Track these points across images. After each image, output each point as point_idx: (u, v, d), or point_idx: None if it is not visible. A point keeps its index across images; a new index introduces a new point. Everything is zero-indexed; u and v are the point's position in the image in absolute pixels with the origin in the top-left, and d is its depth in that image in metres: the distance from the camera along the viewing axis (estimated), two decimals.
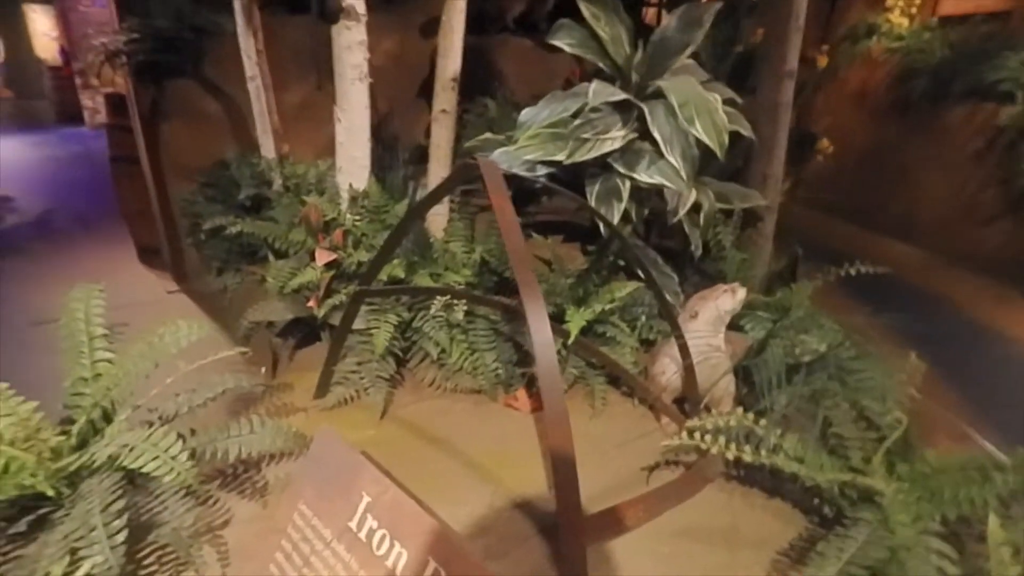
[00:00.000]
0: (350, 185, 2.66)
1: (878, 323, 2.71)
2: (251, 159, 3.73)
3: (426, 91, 4.42)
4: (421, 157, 3.15)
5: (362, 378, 2.37)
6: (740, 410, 1.64)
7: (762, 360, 2.11)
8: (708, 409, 2.25)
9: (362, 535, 1.37)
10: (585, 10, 2.37)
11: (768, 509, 1.90)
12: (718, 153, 2.18)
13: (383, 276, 2.46)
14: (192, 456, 1.53)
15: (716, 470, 1.91)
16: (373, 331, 2.29)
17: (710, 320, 2.18)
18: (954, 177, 5.64)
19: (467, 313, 2.47)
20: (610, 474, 2.05)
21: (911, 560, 1.38)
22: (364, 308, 2.42)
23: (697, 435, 1.58)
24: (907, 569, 1.39)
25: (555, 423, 1.23)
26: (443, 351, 2.44)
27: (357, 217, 2.66)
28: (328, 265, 2.44)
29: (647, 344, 2.62)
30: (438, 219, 2.89)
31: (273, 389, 2.44)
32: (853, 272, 2.47)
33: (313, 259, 2.51)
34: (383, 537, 1.34)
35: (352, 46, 2.38)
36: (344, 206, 2.70)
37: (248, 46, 3.35)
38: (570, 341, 2.32)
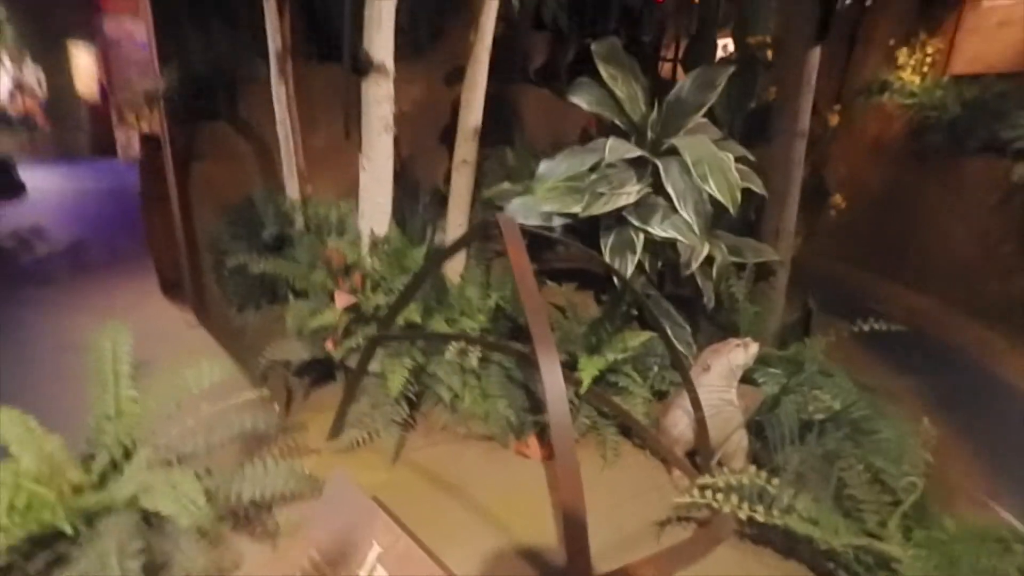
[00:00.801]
0: (371, 230, 2.74)
1: (896, 382, 2.69)
2: (276, 199, 3.86)
3: (448, 138, 4.57)
4: (440, 202, 3.24)
5: (375, 421, 2.40)
6: (753, 468, 1.64)
7: (775, 416, 2.10)
8: (720, 464, 2.24)
9: None
10: (603, 71, 2.47)
11: (781, 570, 1.86)
12: (731, 209, 2.23)
13: (400, 320, 2.51)
14: (207, 498, 1.55)
15: (729, 529, 1.89)
16: (388, 374, 2.32)
17: (723, 374, 2.19)
18: (971, 230, 5.65)
19: (481, 359, 2.50)
20: (621, 527, 2.03)
21: None
22: (380, 351, 2.47)
23: (709, 493, 1.58)
24: None
25: (568, 482, 1.25)
26: (456, 396, 2.47)
27: (376, 261, 2.73)
28: (347, 308, 2.50)
29: (659, 395, 2.62)
30: (455, 264, 2.96)
31: (287, 428, 2.46)
32: (867, 328, 2.47)
33: (332, 301, 2.58)
34: None
35: (380, 100, 2.49)
36: (365, 250, 2.78)
37: (280, 91, 3.51)
38: (582, 390, 2.33)
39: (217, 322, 3.73)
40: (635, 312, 2.83)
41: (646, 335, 2.61)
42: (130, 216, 6.20)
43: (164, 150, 4.35)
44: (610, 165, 2.30)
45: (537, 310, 1.34)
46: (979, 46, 6.85)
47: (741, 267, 2.72)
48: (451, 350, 2.38)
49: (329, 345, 2.47)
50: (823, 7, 2.44)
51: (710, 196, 2.26)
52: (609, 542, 1.94)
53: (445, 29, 5.05)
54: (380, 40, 2.41)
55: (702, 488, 1.60)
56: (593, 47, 2.49)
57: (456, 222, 2.93)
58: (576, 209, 2.34)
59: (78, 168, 9.85)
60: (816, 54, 2.53)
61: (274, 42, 3.35)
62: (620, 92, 2.46)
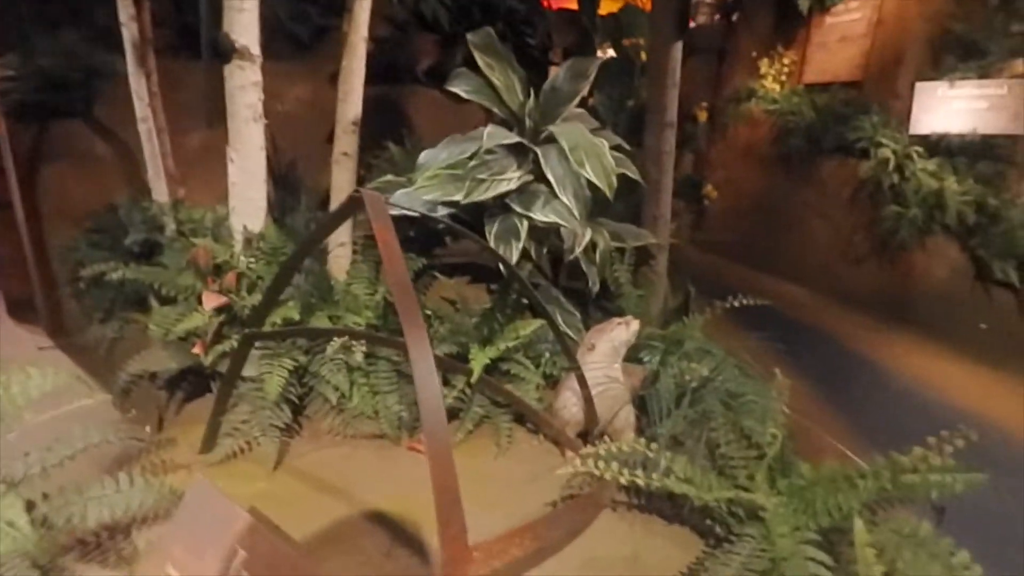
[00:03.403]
0: (244, 227, 2.58)
1: (765, 353, 2.90)
2: (142, 204, 3.54)
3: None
4: (325, 201, 3.12)
5: (253, 428, 2.24)
6: (633, 436, 1.68)
7: (655, 389, 2.18)
8: (609, 439, 2.29)
9: None
10: (480, 60, 2.49)
11: (667, 535, 1.93)
12: (607, 193, 2.31)
13: (276, 319, 2.36)
14: (43, 523, 1.36)
15: (609, 496, 1.93)
16: (265, 377, 2.18)
17: (607, 352, 2.25)
18: (829, 223, 6.26)
19: (367, 355, 2.41)
20: (517, 511, 2.01)
21: (790, 569, 1.44)
22: (256, 354, 2.31)
23: (591, 462, 1.60)
24: None
25: (435, 451, 1.21)
26: (343, 396, 2.36)
27: (252, 260, 2.57)
28: (219, 310, 2.32)
29: (551, 380, 2.65)
30: (340, 261, 2.84)
31: (154, 445, 2.24)
32: (738, 304, 2.64)
33: (201, 304, 2.38)
34: None
35: (246, 86, 2.35)
36: (238, 248, 2.60)
37: (140, 87, 3.23)
38: (474, 379, 2.31)
39: (75, 340, 3.34)
40: (525, 301, 2.86)
41: (536, 323, 2.63)
42: None
43: (2, 151, 3.87)
44: (489, 152, 2.32)
45: (402, 283, 1.30)
46: (825, 58, 7.62)
47: (622, 252, 2.82)
48: (333, 347, 2.27)
49: (197, 350, 2.27)
50: (680, 8, 2.62)
51: (588, 182, 2.33)
52: (505, 525, 1.92)
53: (328, 28, 4.91)
54: (242, 22, 2.27)
55: (584, 457, 1.62)
56: (469, 37, 2.51)
57: None
58: (457, 196, 2.33)
59: None
60: (678, 49, 2.70)
61: (129, 31, 3.08)
62: (497, 81, 2.48)
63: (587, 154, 2.29)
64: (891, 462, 1.57)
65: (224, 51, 2.24)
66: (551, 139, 2.38)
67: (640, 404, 2.29)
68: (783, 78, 7.56)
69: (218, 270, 2.51)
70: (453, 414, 2.41)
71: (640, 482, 1.61)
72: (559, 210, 2.32)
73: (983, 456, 1.57)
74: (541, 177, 2.36)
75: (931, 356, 4.88)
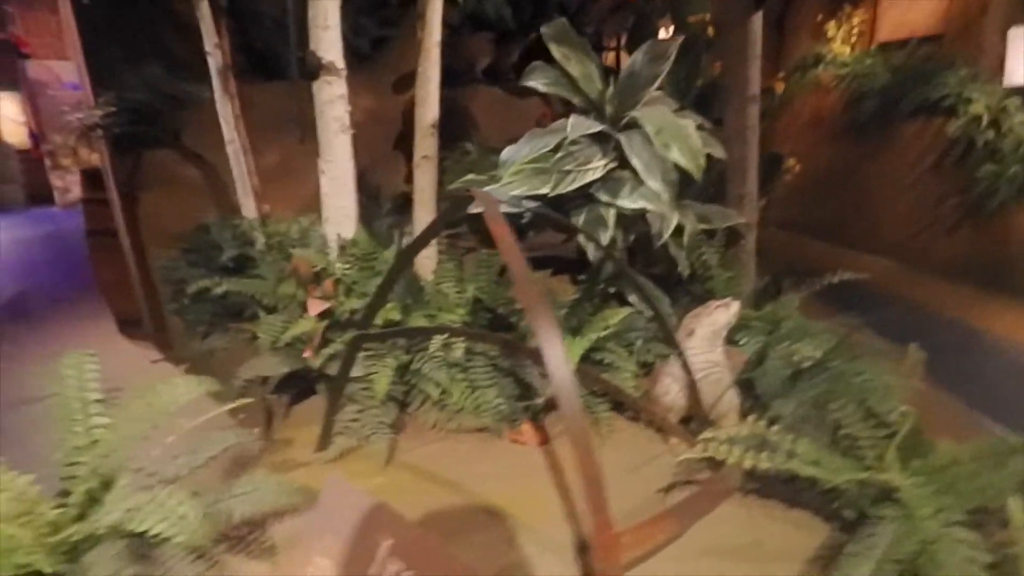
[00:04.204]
0: (338, 235, 2.68)
1: (865, 328, 2.77)
2: (232, 221, 3.74)
3: (400, 144, 4.54)
4: (403, 206, 3.20)
5: (364, 426, 2.33)
6: (752, 419, 1.65)
7: (762, 371, 2.13)
8: (714, 424, 2.25)
9: None
10: (555, 51, 2.49)
11: (789, 520, 1.88)
12: (695, 175, 2.26)
13: (378, 321, 2.45)
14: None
15: (734, 482, 1.89)
16: (372, 377, 2.26)
17: (706, 336, 2.21)
18: (912, 190, 5.89)
19: (466, 351, 2.46)
20: (627, 500, 2.01)
21: (940, 552, 1.38)
22: (362, 355, 2.40)
23: (712, 446, 1.58)
24: (938, 561, 1.38)
25: (579, 442, 1.22)
26: (444, 392, 2.42)
27: (347, 266, 2.67)
28: (321, 315, 2.43)
29: (646, 367, 2.62)
30: (427, 262, 2.91)
31: (273, 446, 2.37)
32: (835, 280, 2.53)
33: (305, 311, 2.50)
34: None
35: (334, 100, 2.44)
36: (333, 256, 2.71)
37: (226, 112, 3.41)
38: (572, 369, 2.31)
39: (183, 353, 3.58)
40: (611, 291, 2.84)
41: (625, 311, 2.62)
42: (74, 259, 5.93)
43: (107, 183, 4.18)
44: (573, 143, 2.31)
45: (525, 277, 1.32)
46: (900, 13, 7.17)
47: (710, 235, 2.76)
48: (435, 344, 2.33)
49: (307, 354, 2.39)
50: None
51: (675, 165, 2.29)
52: (619, 513, 1.90)
53: (385, 38, 5.02)
54: (328, 39, 2.36)
55: (705, 442, 1.60)
56: (543, 29, 2.50)
57: (422, 219, 2.89)
58: (545, 190, 2.34)
59: (14, 218, 9.38)
60: (758, 20, 2.61)
61: (215, 60, 3.25)
62: (574, 71, 2.47)
63: (673, 136, 2.25)
64: None
65: (312, 68, 2.34)
66: (634, 124, 2.35)
67: (744, 387, 2.23)
68: (853, 39, 7.15)
69: (316, 277, 2.62)
70: (552, 406, 2.43)
71: (764, 465, 1.58)
72: (647, 195, 2.29)
73: None
74: (625, 163, 2.34)
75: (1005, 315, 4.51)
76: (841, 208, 6.40)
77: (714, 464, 2.02)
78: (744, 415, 2.22)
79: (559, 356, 1.22)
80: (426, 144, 2.78)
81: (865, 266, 5.47)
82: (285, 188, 4.07)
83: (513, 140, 2.98)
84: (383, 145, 4.67)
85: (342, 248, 2.69)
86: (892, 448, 1.66)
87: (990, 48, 6.41)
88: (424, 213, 2.89)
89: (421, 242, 1.88)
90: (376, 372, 2.28)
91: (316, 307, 2.40)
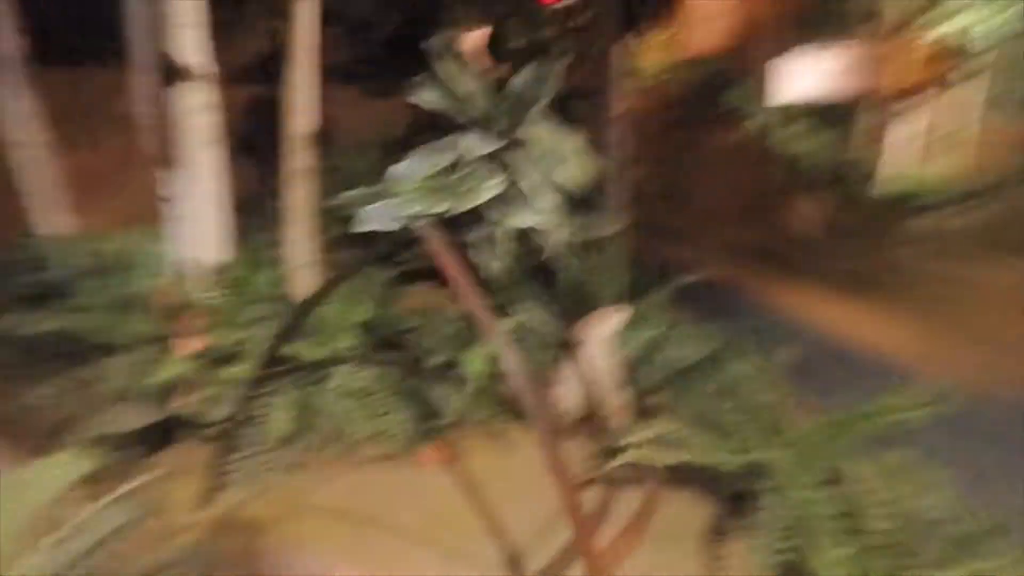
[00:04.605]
0: (200, 260, 2.38)
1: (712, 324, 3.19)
2: (25, 241, 3.09)
3: (246, 147, 4.11)
4: (265, 216, 2.93)
5: (254, 473, 2.13)
6: (662, 420, 1.85)
7: (645, 369, 2.38)
8: (607, 423, 2.46)
9: None
10: (441, 71, 2.46)
11: (682, 501, 2.14)
12: (582, 191, 2.42)
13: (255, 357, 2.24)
14: None
15: (659, 479, 2.07)
16: (267, 417, 2.07)
17: (599, 341, 2.40)
18: (719, 186, 6.90)
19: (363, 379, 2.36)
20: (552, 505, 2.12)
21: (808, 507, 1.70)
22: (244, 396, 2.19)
23: (636, 452, 1.74)
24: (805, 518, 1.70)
25: (557, 474, 1.28)
26: (344, 423, 2.30)
27: (215, 295, 2.38)
28: (193, 354, 2.15)
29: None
30: (303, 280, 2.71)
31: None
32: (694, 280, 2.90)
33: (171, 349, 2.19)
34: None
35: (200, 108, 2.15)
36: (195, 284, 2.40)
37: (17, 107, 2.80)
38: (475, 383, 2.36)
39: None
40: (496, 303, 2.92)
41: (515, 320, 2.73)
42: None
43: None
44: (468, 163, 2.33)
45: (483, 312, 1.34)
46: (704, 31, 8.23)
47: (588, 243, 2.97)
48: (339, 375, 2.21)
49: (181, 400, 2.10)
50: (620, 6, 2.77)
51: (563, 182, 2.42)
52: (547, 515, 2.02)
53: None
54: (191, 39, 2.06)
55: (633, 445, 1.76)
56: (429, 44, 2.46)
57: (298, 237, 2.69)
58: (443, 208, 2.32)
59: None
60: (620, 44, 2.86)
61: None
62: (460, 89, 2.48)
63: (561, 156, 2.38)
64: (877, 405, 1.88)
65: (172, 73, 2.03)
66: (521, 143, 2.44)
67: (632, 384, 2.47)
68: (663, 53, 8.09)
69: (177, 310, 2.30)
70: (456, 423, 2.44)
71: (676, 461, 1.79)
72: (539, 213, 2.40)
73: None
74: (515, 181, 2.41)
75: (807, 294, 5.58)
76: (672, 203, 7.20)
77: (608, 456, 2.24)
78: (635, 413, 2.47)
79: (517, 365, 1.27)
80: (301, 156, 2.58)
81: (694, 256, 6.27)
82: (106, 197, 3.46)
83: (376, 145, 2.88)
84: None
85: (211, 273, 2.39)
86: (761, 430, 1.98)
87: (760, 70, 7.67)
88: (298, 232, 2.68)
89: (323, 294, 1.78)
90: (270, 412, 2.09)
91: (186, 346, 2.11)
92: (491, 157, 2.38)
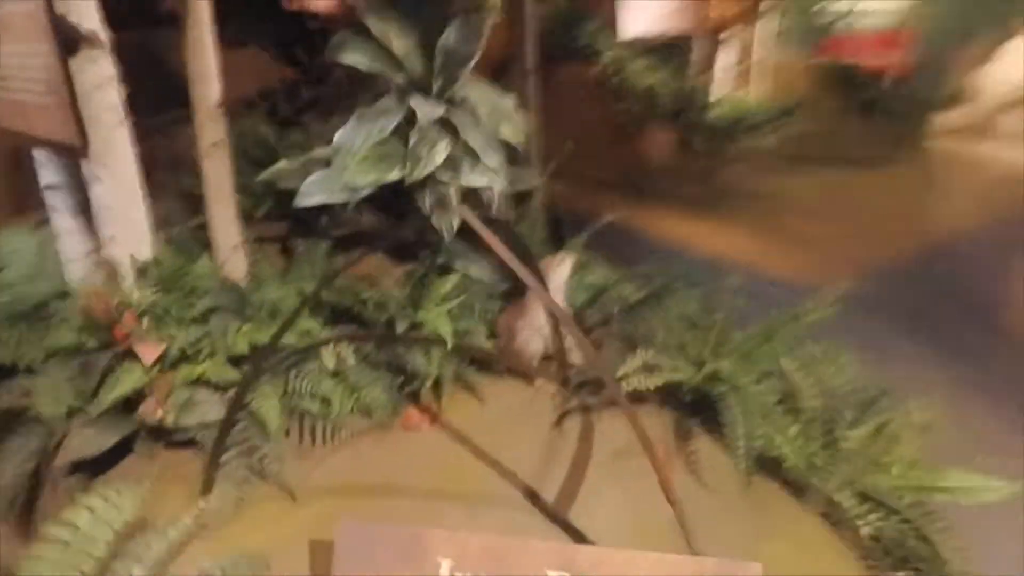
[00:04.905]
0: (130, 256, 2.12)
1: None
2: None
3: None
4: (178, 196, 2.64)
5: (245, 468, 2.06)
6: (640, 351, 2.13)
7: (599, 308, 2.65)
8: (566, 361, 2.71)
9: None
10: (374, 26, 2.33)
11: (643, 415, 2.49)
12: (520, 148, 2.53)
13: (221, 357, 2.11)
14: None
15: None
16: (259, 411, 1.99)
17: (557, 288, 2.60)
18: (579, 122, 7.28)
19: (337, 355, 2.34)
20: (541, 441, 2.35)
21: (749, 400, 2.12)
22: (211, 395, 2.08)
23: (631, 380, 2.01)
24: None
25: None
26: (327, 403, 2.27)
27: (151, 293, 2.15)
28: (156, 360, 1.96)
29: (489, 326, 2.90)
30: (237, 265, 2.53)
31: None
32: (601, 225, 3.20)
33: (122, 358, 1.97)
34: None
35: (102, 83, 1.85)
36: (128, 283, 2.14)
37: None
38: (450, 345, 2.45)
39: None
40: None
41: (456, 277, 2.83)
42: None
43: None
44: (418, 127, 2.29)
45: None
46: None
47: (517, 196, 3.09)
48: (326, 356, 2.16)
49: (155, 411, 1.93)
50: None
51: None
52: (540, 456, 2.25)
53: None
54: (85, 2, 1.74)
55: (624, 377, 2.02)
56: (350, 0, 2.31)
57: (221, 216, 2.48)
58: (394, 175, 2.28)
59: None
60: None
61: None
62: (397, 48, 2.38)
63: (502, 115, 2.44)
64: (787, 314, 2.33)
65: (69, 41, 1.71)
66: (463, 104, 2.44)
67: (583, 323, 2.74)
68: None
69: (116, 314, 2.05)
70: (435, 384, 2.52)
71: (654, 384, 2.10)
72: (486, 172, 2.46)
73: None
74: (459, 141, 2.43)
75: (665, 214, 6.32)
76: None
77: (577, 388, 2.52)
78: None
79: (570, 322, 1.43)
80: (212, 129, 2.35)
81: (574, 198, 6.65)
82: None
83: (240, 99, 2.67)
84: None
85: (140, 272, 2.14)
86: (710, 345, 2.36)
87: (607, 6, 8.04)
88: (221, 209, 2.47)
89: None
90: (261, 404, 2.01)
91: (150, 351, 1.92)
92: (440, 119, 2.38)
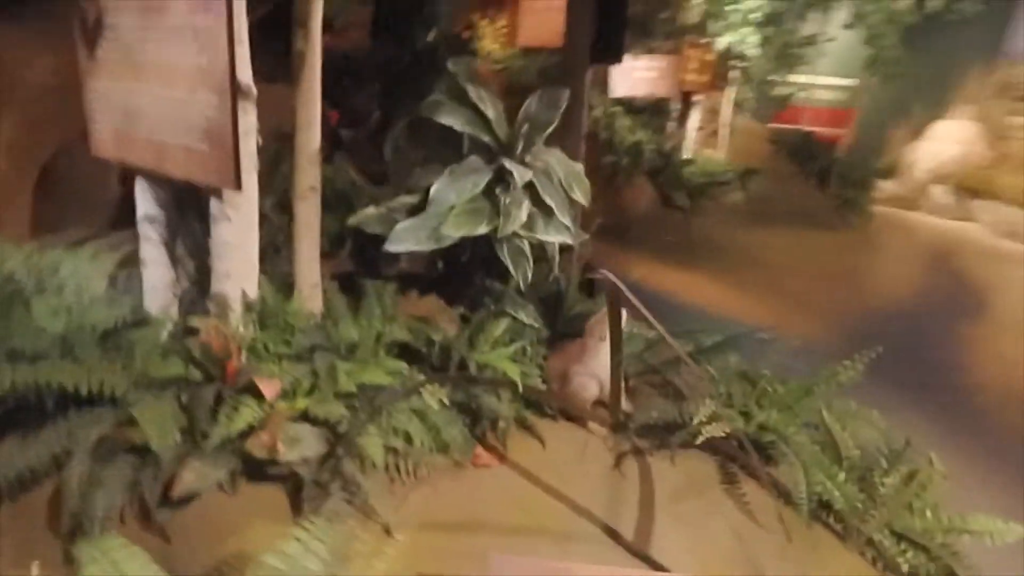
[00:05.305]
0: (242, 291, 2.20)
1: None
2: None
3: None
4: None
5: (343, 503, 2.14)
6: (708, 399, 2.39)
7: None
8: (615, 406, 2.92)
9: None
10: (473, 93, 2.54)
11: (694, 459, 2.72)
12: (586, 207, 2.80)
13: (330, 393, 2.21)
14: None
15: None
16: (364, 446, 2.10)
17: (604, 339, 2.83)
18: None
19: (418, 395, 2.46)
20: (603, 480, 2.53)
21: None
22: (315, 431, 2.17)
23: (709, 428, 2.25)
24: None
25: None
26: (408, 440, 2.38)
27: (258, 330, 2.23)
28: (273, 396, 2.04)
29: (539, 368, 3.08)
30: (315, 301, 2.63)
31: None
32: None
33: (238, 392, 2.04)
34: None
35: (249, 131, 1.97)
36: (236, 318, 2.21)
37: None
38: (520, 387, 2.62)
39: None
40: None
41: (507, 320, 3.02)
42: None
43: None
44: (512, 186, 2.50)
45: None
46: (534, 25, 8.80)
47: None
48: (428, 396, 2.29)
49: (270, 445, 1.99)
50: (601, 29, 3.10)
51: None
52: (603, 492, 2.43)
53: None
54: (241, 56, 1.88)
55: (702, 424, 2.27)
56: (451, 66, 2.51)
57: (308, 255, 2.59)
58: (484, 229, 2.48)
59: None
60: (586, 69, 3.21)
61: None
62: (490, 113, 2.59)
63: (574, 178, 2.69)
64: (826, 372, 2.66)
65: (236, 90, 1.83)
66: (544, 167, 2.68)
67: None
68: (500, 41, 8.54)
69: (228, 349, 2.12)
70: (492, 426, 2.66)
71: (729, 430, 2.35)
72: (560, 229, 2.69)
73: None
74: (538, 201, 2.65)
75: (647, 263, 6.74)
76: None
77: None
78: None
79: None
80: (312, 174, 2.48)
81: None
82: None
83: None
84: None
85: (247, 308, 2.22)
86: (752, 397, 2.65)
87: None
88: (309, 249, 2.58)
89: None
90: (365, 440, 2.12)
91: (271, 387, 2.00)
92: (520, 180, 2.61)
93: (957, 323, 6.39)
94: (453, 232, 2.44)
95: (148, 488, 2.00)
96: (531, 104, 2.73)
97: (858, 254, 8.89)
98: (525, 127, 2.66)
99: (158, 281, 2.46)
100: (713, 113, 10.48)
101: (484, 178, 2.54)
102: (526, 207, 2.56)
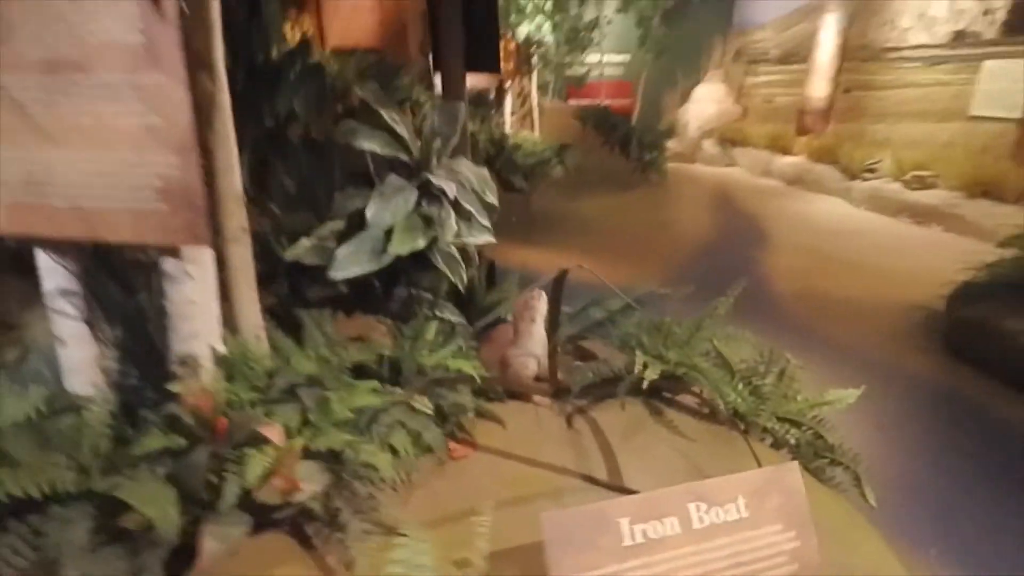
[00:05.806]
0: (211, 348, 2.12)
1: None
2: None
3: None
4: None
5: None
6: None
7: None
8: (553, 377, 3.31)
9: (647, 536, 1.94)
10: (386, 115, 2.63)
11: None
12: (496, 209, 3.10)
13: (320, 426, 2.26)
14: None
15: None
16: (375, 462, 2.21)
17: (540, 319, 3.20)
18: None
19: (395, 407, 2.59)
20: (565, 441, 2.91)
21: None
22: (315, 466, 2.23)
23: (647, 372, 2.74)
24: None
25: None
26: (394, 452, 2.51)
27: (230, 384, 2.18)
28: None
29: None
30: (252, 325, 2.58)
31: None
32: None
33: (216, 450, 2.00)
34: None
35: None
36: (209, 376, 2.13)
37: None
38: (479, 380, 2.87)
39: None
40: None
41: (435, 323, 3.24)
42: None
43: None
44: (439, 200, 2.66)
45: None
46: (343, 26, 8.70)
47: None
48: (419, 405, 2.42)
49: (293, 486, 2.01)
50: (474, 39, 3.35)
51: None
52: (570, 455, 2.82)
53: None
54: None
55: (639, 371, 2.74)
56: (361, 92, 2.57)
57: (247, 298, 2.54)
58: (423, 243, 2.64)
59: None
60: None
61: None
62: (403, 132, 2.70)
63: (483, 183, 2.96)
64: (708, 310, 3.32)
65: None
66: (459, 176, 2.88)
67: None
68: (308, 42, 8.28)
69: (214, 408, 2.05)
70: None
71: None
72: (482, 230, 2.93)
73: None
74: (458, 208, 2.86)
75: (502, 246, 7.27)
76: None
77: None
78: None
79: None
80: (239, 215, 2.43)
81: None
82: None
83: None
84: None
85: (217, 363, 2.15)
86: (661, 341, 3.23)
87: (417, 59, 8.81)
88: (247, 291, 2.53)
89: None
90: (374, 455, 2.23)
91: (274, 431, 2.01)
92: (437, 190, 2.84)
93: (750, 249, 7.97)
94: (400, 250, 2.58)
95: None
96: (434, 120, 2.93)
97: (665, 207, 10.45)
98: (437, 141, 2.86)
99: (81, 359, 2.25)
100: (523, 97, 11.32)
101: (412, 195, 2.70)
102: (453, 215, 2.78)
